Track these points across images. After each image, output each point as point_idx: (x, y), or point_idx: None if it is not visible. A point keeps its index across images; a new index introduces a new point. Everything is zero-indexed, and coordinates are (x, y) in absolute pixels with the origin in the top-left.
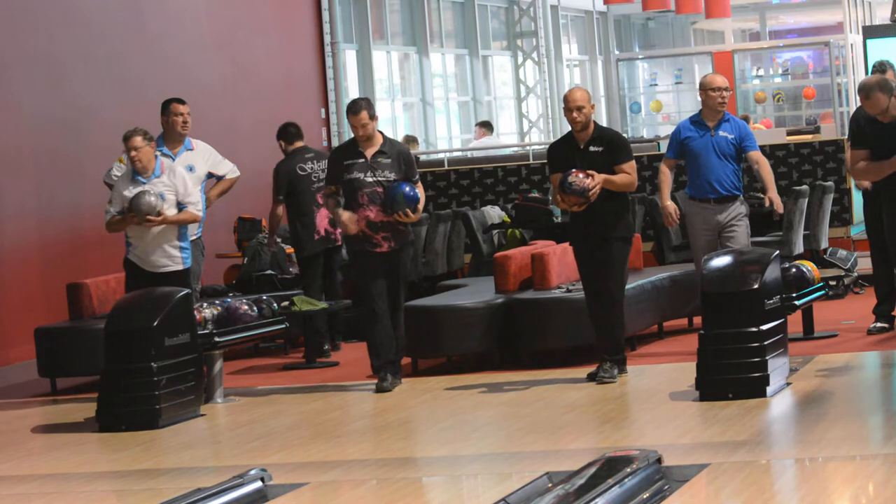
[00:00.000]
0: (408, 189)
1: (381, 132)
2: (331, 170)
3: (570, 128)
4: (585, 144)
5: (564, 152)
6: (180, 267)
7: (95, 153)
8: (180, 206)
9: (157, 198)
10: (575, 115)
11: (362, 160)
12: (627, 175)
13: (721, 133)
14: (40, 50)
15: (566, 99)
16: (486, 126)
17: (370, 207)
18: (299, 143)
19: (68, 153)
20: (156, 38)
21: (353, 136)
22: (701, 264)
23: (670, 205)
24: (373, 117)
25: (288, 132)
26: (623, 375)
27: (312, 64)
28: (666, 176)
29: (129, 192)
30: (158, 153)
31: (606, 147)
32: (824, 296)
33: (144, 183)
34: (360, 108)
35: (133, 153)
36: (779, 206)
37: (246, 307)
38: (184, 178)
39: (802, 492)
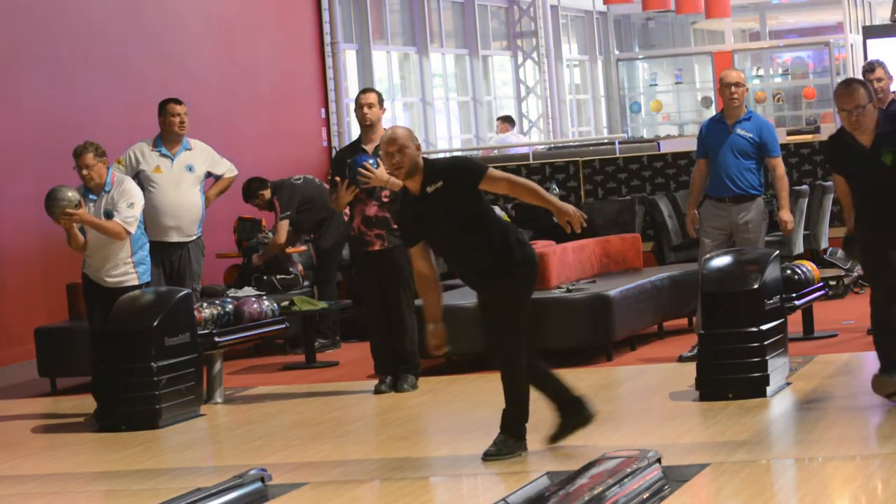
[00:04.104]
0: (362, 158)
1: (385, 128)
2: (335, 171)
3: None
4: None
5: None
6: (136, 282)
7: None
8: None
9: (74, 192)
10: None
11: (364, 152)
12: None
13: (739, 131)
14: (41, 49)
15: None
16: (508, 121)
17: (368, 202)
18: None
19: (69, 153)
20: (156, 38)
21: (356, 137)
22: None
23: (692, 214)
24: (381, 105)
25: (256, 182)
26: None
27: (312, 64)
28: (695, 182)
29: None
30: (133, 157)
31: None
32: (824, 296)
33: (95, 199)
34: (370, 90)
35: (84, 171)
36: (786, 230)
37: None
38: (124, 191)
39: (802, 492)
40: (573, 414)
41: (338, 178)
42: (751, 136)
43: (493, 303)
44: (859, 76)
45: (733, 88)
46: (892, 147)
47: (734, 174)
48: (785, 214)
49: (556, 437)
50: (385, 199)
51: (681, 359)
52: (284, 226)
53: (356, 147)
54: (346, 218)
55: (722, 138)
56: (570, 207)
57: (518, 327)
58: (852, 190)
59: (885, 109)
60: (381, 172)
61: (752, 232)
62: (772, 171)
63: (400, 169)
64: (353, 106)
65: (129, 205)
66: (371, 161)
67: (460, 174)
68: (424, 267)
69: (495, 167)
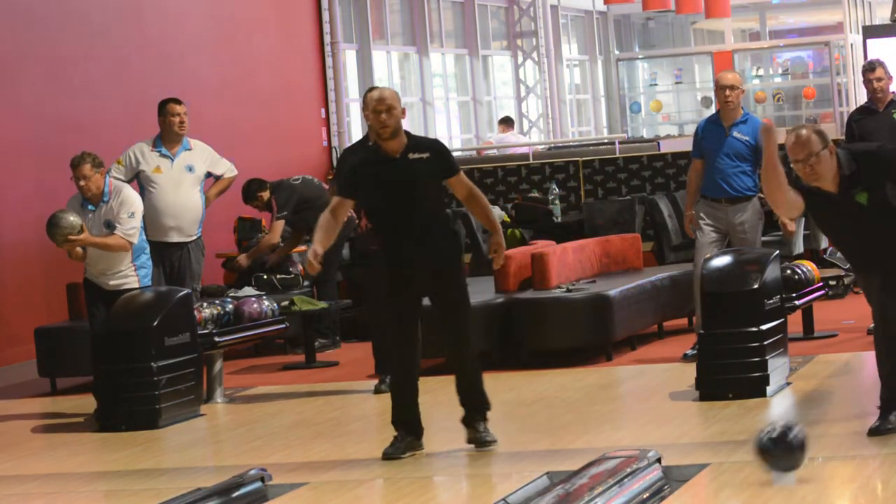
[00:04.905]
0: None
1: None
2: (340, 170)
3: None
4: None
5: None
6: (136, 286)
7: (96, 153)
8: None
9: (75, 216)
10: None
11: None
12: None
13: (736, 134)
14: (41, 49)
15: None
16: (507, 122)
17: None
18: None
19: (69, 153)
20: (156, 38)
21: (362, 136)
22: (700, 264)
23: (690, 215)
24: None
25: (256, 184)
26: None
27: (312, 64)
28: (692, 181)
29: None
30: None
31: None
32: (824, 296)
33: (94, 210)
34: (378, 89)
35: (82, 182)
36: (787, 233)
37: (255, 304)
38: (123, 201)
39: (802, 492)
40: (417, 438)
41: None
42: (747, 139)
43: (454, 299)
44: (859, 76)
45: (728, 91)
46: (865, 185)
47: (729, 177)
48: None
49: (390, 456)
50: None
51: (685, 357)
52: (279, 226)
53: (363, 146)
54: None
55: (718, 141)
56: (503, 246)
57: None
58: (833, 243)
59: (850, 147)
60: None
61: (749, 232)
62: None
63: (386, 128)
64: (353, 106)
65: (130, 215)
66: None
67: (444, 157)
68: (341, 217)
69: (495, 167)
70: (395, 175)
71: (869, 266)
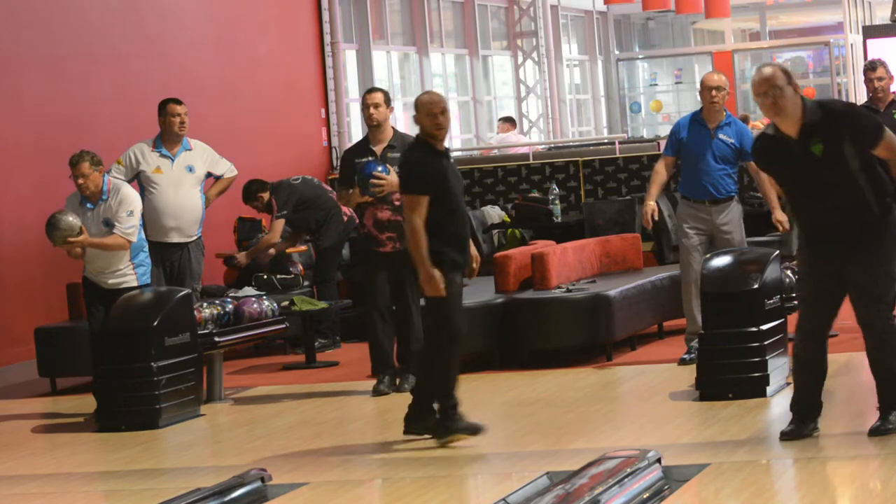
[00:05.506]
0: (370, 167)
1: (393, 127)
2: (344, 171)
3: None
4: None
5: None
6: (135, 284)
7: (96, 152)
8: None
9: (74, 217)
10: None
11: (373, 157)
12: None
13: (721, 136)
14: (41, 49)
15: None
16: (510, 121)
17: (381, 206)
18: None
19: (69, 153)
20: (156, 38)
21: (361, 137)
22: (689, 264)
23: (651, 206)
24: (388, 104)
25: (256, 184)
26: None
27: (312, 64)
28: (659, 175)
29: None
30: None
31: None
32: None
33: (93, 208)
34: (377, 89)
35: (80, 181)
36: (783, 229)
37: (255, 304)
38: (122, 199)
39: (802, 492)
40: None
41: (357, 188)
42: (732, 141)
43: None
44: (860, 76)
45: (714, 93)
46: (823, 136)
47: (715, 179)
48: (779, 214)
49: (410, 430)
50: (397, 203)
51: (682, 362)
52: (279, 225)
53: (364, 148)
54: (345, 218)
55: (704, 143)
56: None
57: None
58: (787, 196)
59: (822, 99)
60: (393, 177)
61: (735, 232)
62: (755, 174)
63: (442, 129)
64: (353, 106)
65: (129, 213)
66: (380, 168)
67: None
68: (425, 218)
69: (495, 167)
70: (455, 172)
71: (825, 237)
